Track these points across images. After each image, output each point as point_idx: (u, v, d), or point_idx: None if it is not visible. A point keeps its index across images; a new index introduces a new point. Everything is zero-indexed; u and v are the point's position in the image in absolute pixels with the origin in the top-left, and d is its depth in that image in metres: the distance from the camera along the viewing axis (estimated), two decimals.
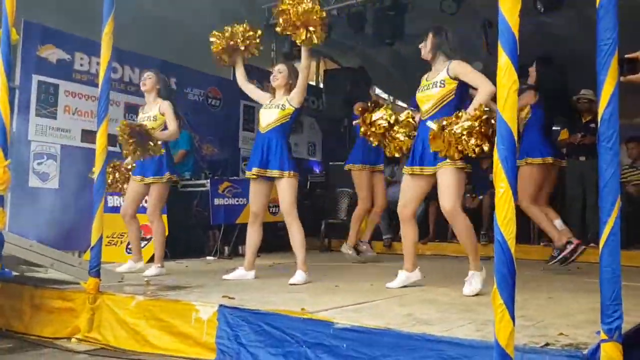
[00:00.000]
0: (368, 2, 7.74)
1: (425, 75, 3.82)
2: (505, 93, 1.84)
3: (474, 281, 3.49)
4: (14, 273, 3.72)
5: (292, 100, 4.35)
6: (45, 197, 6.09)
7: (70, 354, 3.17)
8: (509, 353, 1.78)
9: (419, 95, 3.76)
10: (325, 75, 10.49)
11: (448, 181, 3.50)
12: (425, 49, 3.76)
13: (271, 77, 4.47)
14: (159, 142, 4.53)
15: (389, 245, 7.40)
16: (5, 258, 3.33)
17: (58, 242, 4.90)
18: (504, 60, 1.84)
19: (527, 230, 6.96)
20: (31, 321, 3.65)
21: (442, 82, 3.60)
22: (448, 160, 3.41)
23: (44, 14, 6.91)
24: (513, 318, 1.80)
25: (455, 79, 3.58)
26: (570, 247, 4.78)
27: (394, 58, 9.87)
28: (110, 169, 4.65)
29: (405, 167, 3.78)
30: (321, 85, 10.57)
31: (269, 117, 4.35)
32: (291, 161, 4.29)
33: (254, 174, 4.29)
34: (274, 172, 4.22)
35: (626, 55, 1.97)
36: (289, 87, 4.41)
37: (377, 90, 11.91)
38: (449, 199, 3.48)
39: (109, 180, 4.60)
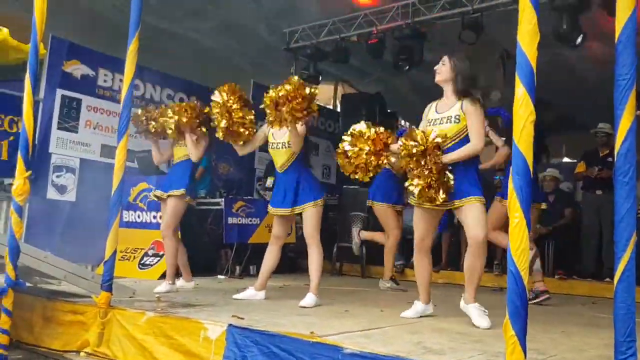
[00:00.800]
0: (387, 30, 7.83)
1: (435, 105, 3.66)
2: (522, 124, 1.85)
3: (483, 314, 3.43)
4: (28, 284, 3.74)
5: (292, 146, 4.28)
6: (62, 210, 6.16)
7: None
8: None
9: (429, 128, 3.50)
10: (343, 99, 10.57)
11: (477, 212, 3.41)
12: (442, 74, 3.58)
13: None
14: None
15: (401, 271, 7.35)
16: (19, 269, 3.37)
17: (72, 254, 4.91)
18: (521, 92, 1.85)
19: (541, 262, 6.89)
20: (41, 333, 3.66)
21: (457, 117, 3.45)
22: (471, 197, 3.39)
23: (69, 30, 7.11)
24: (525, 350, 1.78)
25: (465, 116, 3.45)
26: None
27: (412, 85, 9.94)
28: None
29: (413, 199, 3.60)
30: (338, 109, 10.64)
31: (280, 157, 4.33)
32: (317, 188, 4.31)
33: (286, 213, 4.28)
34: (305, 207, 4.22)
35: None
36: None
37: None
38: (483, 228, 3.41)
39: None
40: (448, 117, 3.49)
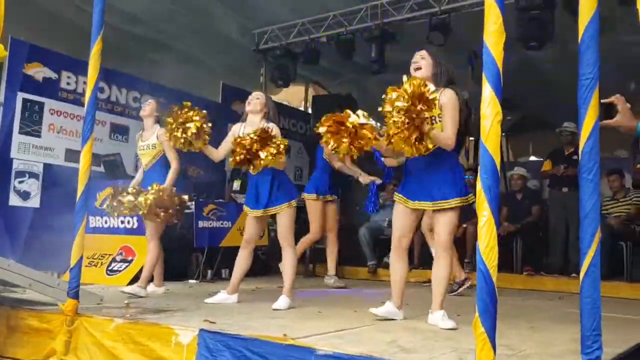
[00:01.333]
0: (356, 31, 7.86)
1: None
2: (489, 124, 1.87)
3: (448, 320, 3.39)
4: None
5: None
6: (25, 216, 6.01)
7: None
8: None
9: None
10: (314, 100, 10.58)
11: (447, 218, 3.40)
12: (425, 68, 3.46)
13: (247, 102, 4.39)
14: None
15: (373, 272, 7.38)
16: None
17: (37, 262, 4.80)
18: (488, 91, 1.87)
19: (509, 259, 7.00)
20: (6, 342, 3.57)
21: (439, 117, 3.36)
22: (452, 199, 3.37)
23: (29, 31, 6.95)
24: (494, 347, 1.80)
25: (441, 108, 3.35)
26: None
27: (383, 85, 9.96)
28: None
29: (399, 195, 3.58)
30: (310, 111, 10.64)
31: None
32: (291, 189, 4.31)
33: (258, 214, 4.26)
34: (279, 208, 4.20)
35: (602, 101, 2.01)
36: (264, 115, 4.37)
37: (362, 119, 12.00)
38: (449, 235, 3.41)
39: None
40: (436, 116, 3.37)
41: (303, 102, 11.13)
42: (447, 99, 3.36)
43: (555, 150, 7.25)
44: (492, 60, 1.87)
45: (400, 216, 3.57)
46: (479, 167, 1.90)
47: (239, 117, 4.60)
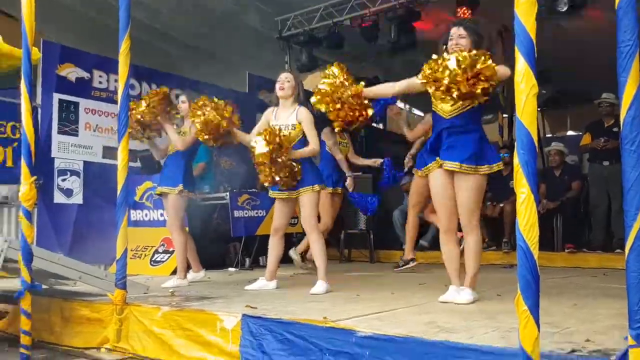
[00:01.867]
0: (380, 12, 7.75)
1: None
2: (524, 98, 1.83)
3: (465, 294, 3.38)
4: (43, 286, 3.79)
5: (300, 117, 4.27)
6: (70, 213, 6.19)
7: None
8: (535, 359, 1.77)
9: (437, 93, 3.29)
10: None
11: (470, 186, 3.36)
12: (459, 45, 3.30)
13: (277, 85, 4.34)
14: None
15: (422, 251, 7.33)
16: (34, 272, 3.41)
17: (84, 255, 4.96)
18: (521, 64, 1.83)
19: (550, 237, 6.90)
20: (62, 332, 3.73)
21: None
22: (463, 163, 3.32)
23: (60, 33, 7.09)
24: (538, 324, 1.78)
25: None
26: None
27: (409, 66, 9.86)
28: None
29: (426, 165, 3.51)
30: None
31: None
32: (314, 173, 4.28)
33: (283, 196, 4.29)
34: (301, 191, 4.20)
35: None
36: (295, 98, 4.35)
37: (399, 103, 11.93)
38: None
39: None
40: None
41: None
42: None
43: (594, 122, 7.07)
44: (525, 33, 1.83)
45: (439, 187, 3.48)
46: (515, 144, 1.87)
47: (266, 106, 4.59)
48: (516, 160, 1.84)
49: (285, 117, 4.29)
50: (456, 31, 3.39)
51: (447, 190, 3.45)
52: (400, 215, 7.42)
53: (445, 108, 3.42)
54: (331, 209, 5.95)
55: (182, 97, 4.92)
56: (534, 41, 1.83)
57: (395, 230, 7.52)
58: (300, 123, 4.24)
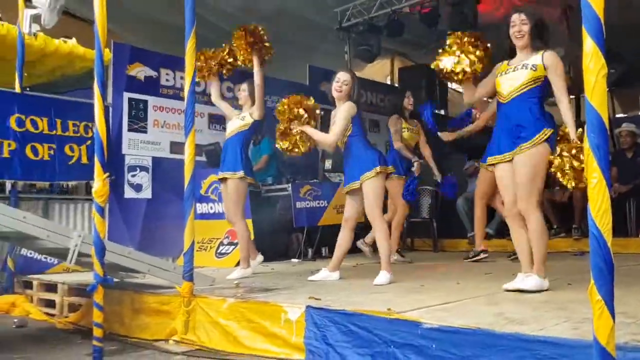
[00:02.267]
0: None
1: (505, 62, 3.55)
2: (593, 79, 1.76)
3: (531, 280, 3.29)
4: (115, 279, 3.95)
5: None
6: (139, 207, 6.44)
7: (169, 355, 3.33)
8: (610, 351, 1.70)
9: (498, 79, 3.49)
10: (400, 73, 10.42)
11: (524, 168, 3.31)
12: (524, 38, 3.41)
13: (334, 85, 4.31)
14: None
15: (474, 243, 7.23)
16: (106, 265, 3.56)
17: (153, 248, 5.15)
18: (589, 45, 1.76)
19: (623, 222, 6.60)
20: (131, 324, 3.87)
21: (534, 66, 3.35)
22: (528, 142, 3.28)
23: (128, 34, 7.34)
24: (613, 315, 1.71)
25: (545, 68, 3.33)
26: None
27: None
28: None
29: (491, 158, 3.51)
30: (396, 84, 10.49)
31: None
32: (372, 159, 4.19)
33: (348, 190, 4.30)
34: (363, 178, 4.16)
35: None
36: (349, 98, 4.31)
37: (454, 85, 11.70)
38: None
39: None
40: (524, 64, 3.39)
41: (389, 76, 10.99)
42: (551, 57, 3.36)
43: None
44: (592, 11, 1.75)
45: (505, 180, 3.46)
46: (583, 126, 1.80)
47: (327, 98, 4.59)
48: (586, 144, 1.77)
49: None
50: (517, 17, 3.44)
51: (511, 173, 3.40)
52: (465, 202, 7.28)
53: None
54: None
55: (243, 86, 4.99)
56: (602, 20, 1.74)
57: (459, 218, 7.39)
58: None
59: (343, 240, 4.41)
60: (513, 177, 3.38)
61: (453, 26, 7.59)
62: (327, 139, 4.25)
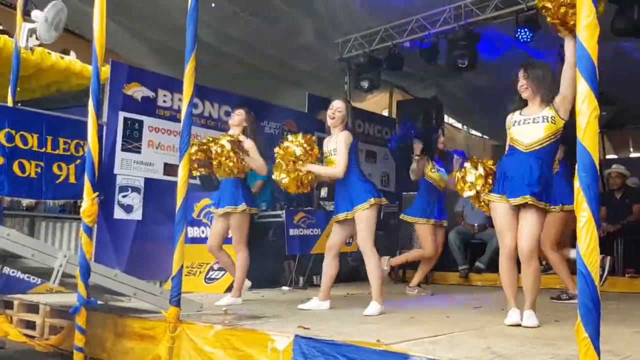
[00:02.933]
0: (440, 34, 7.76)
1: (517, 112, 3.62)
2: (585, 120, 1.79)
3: (534, 319, 3.38)
4: (99, 302, 3.88)
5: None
6: (129, 228, 6.38)
7: None
8: None
9: (515, 129, 3.57)
10: (398, 106, 10.53)
11: (531, 220, 3.41)
12: (528, 90, 3.55)
13: (329, 112, 4.34)
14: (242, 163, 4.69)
15: (465, 276, 7.22)
16: (91, 287, 3.50)
17: (140, 271, 5.09)
18: (583, 87, 1.80)
19: (611, 261, 6.60)
20: (113, 349, 3.77)
21: (553, 118, 3.44)
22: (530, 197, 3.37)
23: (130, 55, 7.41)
24: (598, 352, 1.72)
25: (562, 118, 3.45)
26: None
27: (468, 87, 9.79)
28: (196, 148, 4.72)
29: (496, 195, 3.58)
30: (394, 116, 10.59)
31: (332, 164, 4.32)
32: (367, 190, 4.20)
33: (340, 219, 4.30)
34: (357, 208, 4.17)
35: None
36: (344, 127, 4.34)
37: (451, 120, 11.83)
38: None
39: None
40: (540, 116, 3.48)
41: (388, 108, 11.10)
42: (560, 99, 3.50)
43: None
44: (587, 55, 1.80)
45: (508, 219, 3.54)
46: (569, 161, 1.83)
47: (324, 126, 4.61)
48: (577, 184, 1.79)
49: (333, 142, 4.32)
50: (521, 73, 3.59)
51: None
52: (456, 236, 7.31)
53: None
54: (431, 238, 5.84)
55: (239, 110, 4.99)
56: (596, 64, 1.79)
57: (451, 251, 7.39)
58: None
59: (328, 268, 4.40)
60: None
61: (453, 62, 7.74)
62: (335, 173, 4.26)
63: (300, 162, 4.28)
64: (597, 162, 1.79)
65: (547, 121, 3.45)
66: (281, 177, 4.32)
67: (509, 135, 3.62)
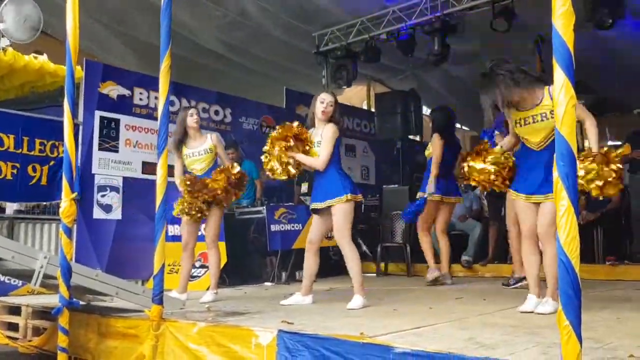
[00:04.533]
0: (417, 26, 7.77)
1: (514, 109, 3.64)
2: (563, 110, 1.80)
3: (548, 305, 3.41)
4: (81, 302, 3.85)
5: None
6: (108, 228, 6.31)
7: None
8: None
9: (520, 129, 3.64)
10: (377, 99, 10.54)
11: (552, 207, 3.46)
12: (509, 96, 3.51)
13: (322, 106, 4.30)
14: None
15: (469, 267, 7.24)
16: (72, 288, 3.47)
17: (121, 271, 5.04)
18: (560, 76, 1.81)
19: (590, 249, 6.71)
20: (97, 349, 3.76)
21: (551, 113, 3.43)
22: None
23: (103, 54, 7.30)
24: (580, 340, 1.73)
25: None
26: None
27: (446, 79, 9.84)
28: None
29: (518, 193, 3.69)
30: (373, 109, 10.61)
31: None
32: (345, 186, 4.22)
33: (315, 207, 4.31)
34: (332, 201, 4.19)
35: None
36: (331, 119, 4.33)
37: (429, 112, 11.92)
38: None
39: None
40: (542, 114, 3.53)
41: (366, 101, 11.12)
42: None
43: (635, 132, 6.89)
44: (563, 44, 1.80)
45: (527, 211, 3.65)
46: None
47: (303, 121, 4.60)
48: (556, 174, 1.80)
49: (318, 135, 4.32)
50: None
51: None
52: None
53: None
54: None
55: (192, 110, 5.06)
56: (572, 53, 1.80)
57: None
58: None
59: (309, 262, 4.40)
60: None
61: (429, 54, 7.77)
62: (317, 164, 4.25)
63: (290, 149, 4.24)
64: (575, 151, 1.81)
65: (546, 118, 3.50)
66: (272, 165, 4.31)
67: (518, 132, 3.68)
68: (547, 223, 3.46)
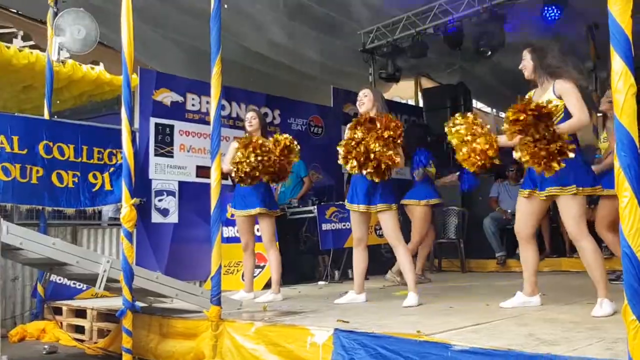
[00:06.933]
0: (464, 18, 7.64)
1: (533, 92, 3.63)
2: (622, 98, 1.74)
3: (604, 305, 3.23)
4: (143, 304, 3.96)
5: None
6: (166, 232, 6.49)
7: None
8: None
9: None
10: (424, 93, 10.42)
11: (569, 208, 3.35)
12: (527, 70, 3.61)
13: (357, 102, 4.39)
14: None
15: (503, 263, 7.13)
16: (134, 290, 3.59)
17: (180, 273, 5.17)
18: (618, 64, 1.75)
19: None
20: (159, 349, 3.87)
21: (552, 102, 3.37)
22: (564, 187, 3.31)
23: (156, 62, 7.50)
24: None
25: (560, 97, 3.39)
26: None
27: (495, 70, 9.63)
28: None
29: (520, 189, 3.64)
30: (421, 104, 10.49)
31: None
32: (392, 193, 4.28)
33: (362, 210, 4.30)
34: (379, 207, 4.22)
35: None
36: (377, 111, 4.30)
37: (479, 104, 11.69)
38: (572, 225, 3.34)
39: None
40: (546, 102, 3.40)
41: (414, 97, 11.01)
42: (560, 86, 3.42)
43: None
44: (620, 30, 1.74)
45: (524, 209, 3.61)
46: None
47: (351, 119, 4.59)
48: (617, 164, 1.74)
49: None
50: (523, 53, 3.64)
51: None
52: (491, 222, 7.21)
53: None
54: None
55: (253, 113, 5.07)
56: (631, 39, 1.73)
57: (486, 238, 7.30)
58: None
59: (358, 261, 4.41)
60: None
61: (477, 47, 7.62)
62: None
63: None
64: (636, 140, 1.74)
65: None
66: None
67: None
68: (575, 222, 3.33)
